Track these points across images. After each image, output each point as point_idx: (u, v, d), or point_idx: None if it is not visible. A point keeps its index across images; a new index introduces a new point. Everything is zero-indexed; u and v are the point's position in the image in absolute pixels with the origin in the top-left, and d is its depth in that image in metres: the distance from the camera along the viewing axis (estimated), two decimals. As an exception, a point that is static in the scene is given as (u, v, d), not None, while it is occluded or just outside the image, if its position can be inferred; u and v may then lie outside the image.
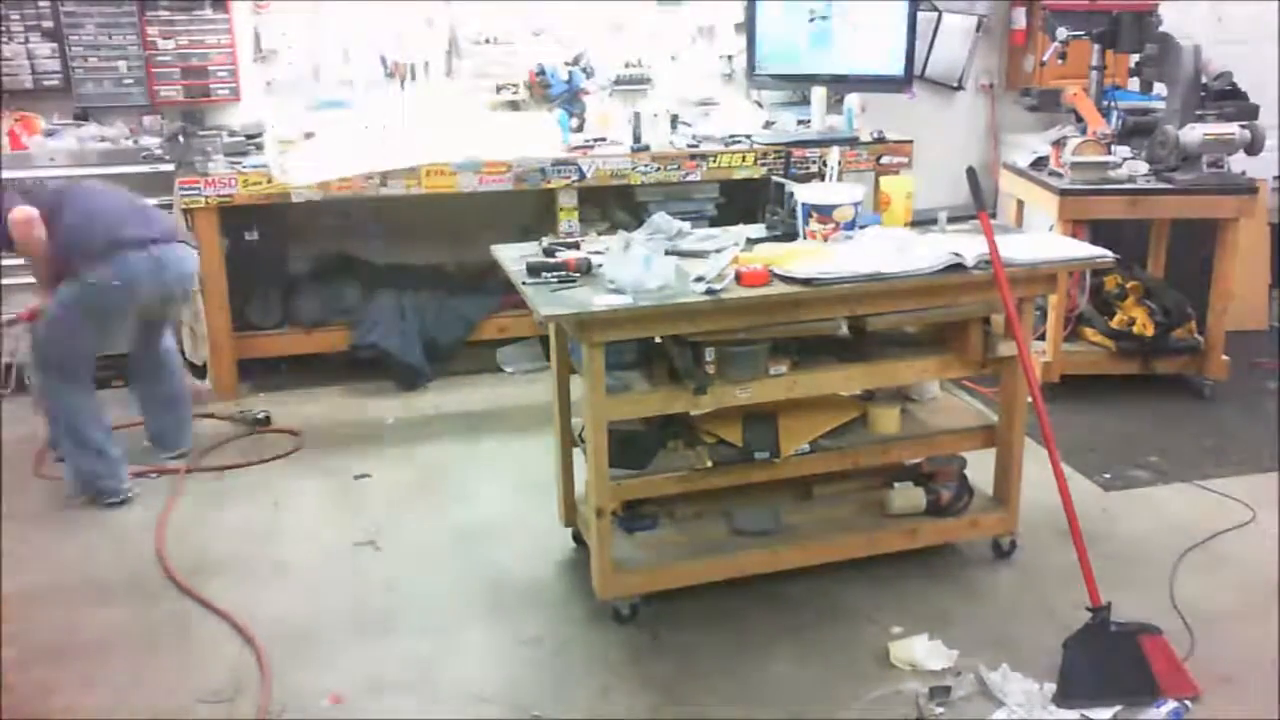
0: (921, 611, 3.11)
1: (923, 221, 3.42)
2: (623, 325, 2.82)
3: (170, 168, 4.75)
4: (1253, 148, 4.46)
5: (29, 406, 4.24)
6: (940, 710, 2.69)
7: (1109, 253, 3.24)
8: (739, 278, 2.85)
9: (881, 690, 2.77)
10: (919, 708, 2.69)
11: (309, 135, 4.75)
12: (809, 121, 5.20)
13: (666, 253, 3.01)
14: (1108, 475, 4.00)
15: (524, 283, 2.92)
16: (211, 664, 2.94)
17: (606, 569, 3.02)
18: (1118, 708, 2.67)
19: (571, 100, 5.33)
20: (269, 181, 4.57)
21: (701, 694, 2.80)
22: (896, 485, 3.34)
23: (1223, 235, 4.56)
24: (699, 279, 2.85)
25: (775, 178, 3.66)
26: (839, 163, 3.89)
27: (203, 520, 3.73)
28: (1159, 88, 4.87)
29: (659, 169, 4.89)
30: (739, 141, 5.04)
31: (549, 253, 3.13)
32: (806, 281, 2.86)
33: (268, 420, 4.48)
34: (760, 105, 5.66)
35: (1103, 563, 3.08)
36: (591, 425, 2.88)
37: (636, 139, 4.93)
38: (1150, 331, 4.69)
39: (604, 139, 5.00)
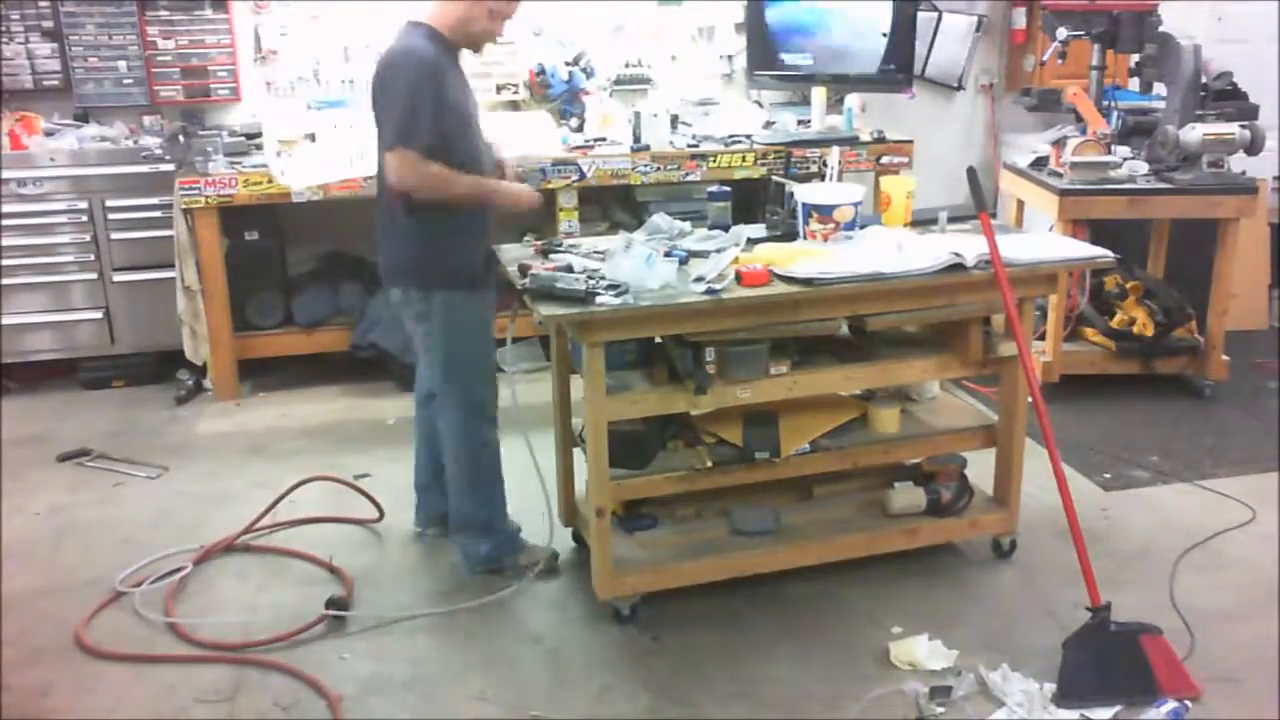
0: (921, 611, 3.11)
1: (923, 221, 3.42)
2: (623, 325, 2.81)
3: (170, 168, 4.76)
4: (1253, 148, 4.45)
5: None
6: (940, 710, 2.69)
7: (1109, 253, 3.24)
8: (739, 278, 2.85)
9: (881, 690, 2.77)
10: (919, 708, 2.69)
11: (309, 135, 4.75)
12: (809, 121, 5.20)
13: (667, 253, 3.01)
14: (1108, 475, 4.00)
15: (525, 285, 2.92)
16: (210, 663, 2.94)
17: (606, 569, 3.02)
18: (1118, 708, 2.67)
19: (571, 100, 5.34)
20: (269, 181, 4.58)
21: (701, 694, 2.79)
22: (896, 485, 3.34)
23: (1223, 235, 4.56)
24: (699, 279, 2.85)
25: (775, 178, 3.66)
26: (839, 163, 3.89)
27: (203, 518, 3.73)
28: (1159, 88, 4.87)
29: (659, 169, 4.89)
30: (739, 141, 5.04)
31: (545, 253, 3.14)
32: (807, 281, 2.87)
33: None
34: (760, 105, 5.66)
35: (1103, 563, 3.09)
36: (591, 425, 2.88)
37: (636, 139, 4.93)
38: (1150, 331, 4.69)
39: (604, 139, 5.00)
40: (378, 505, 3.68)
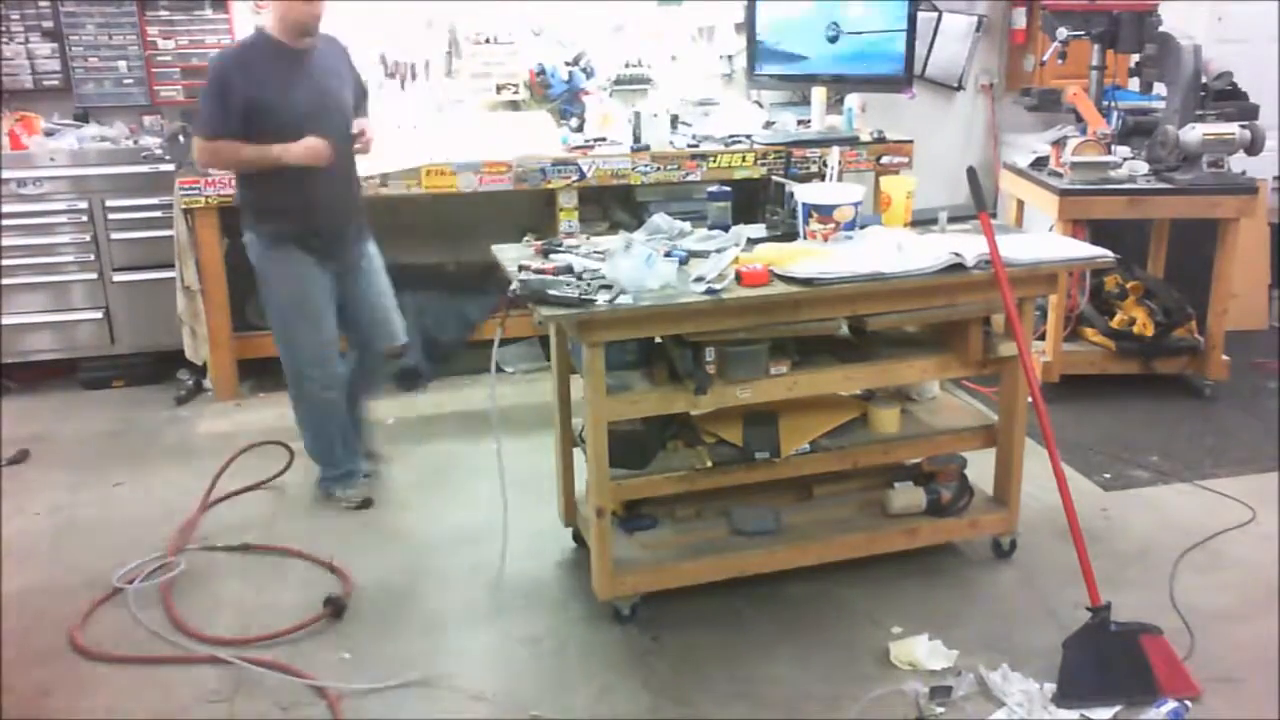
0: (921, 611, 3.11)
1: (923, 221, 3.43)
2: (623, 325, 2.81)
3: (170, 168, 4.76)
4: (1253, 148, 4.46)
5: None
6: (940, 710, 2.69)
7: (1109, 253, 3.24)
8: (739, 278, 2.85)
9: (881, 690, 2.77)
10: (919, 708, 2.69)
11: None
12: (809, 121, 5.20)
13: (667, 253, 3.01)
14: (1108, 475, 4.00)
15: (514, 291, 2.91)
16: (210, 663, 2.94)
17: (606, 569, 3.02)
18: (1118, 708, 2.67)
19: (571, 100, 5.34)
20: (269, 181, 4.57)
21: (701, 694, 2.80)
22: (896, 485, 3.34)
23: (1223, 235, 4.56)
24: (699, 279, 2.85)
25: (775, 178, 3.66)
26: (839, 163, 3.89)
27: (205, 516, 3.73)
28: (1159, 88, 4.87)
29: (659, 169, 4.89)
30: (739, 141, 5.04)
31: (544, 253, 3.14)
32: (807, 281, 2.87)
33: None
34: (760, 105, 5.66)
35: (1103, 563, 3.09)
36: (591, 425, 2.88)
37: (636, 139, 4.93)
38: (1150, 331, 4.69)
39: (604, 139, 5.00)
40: (291, 451, 4.01)
